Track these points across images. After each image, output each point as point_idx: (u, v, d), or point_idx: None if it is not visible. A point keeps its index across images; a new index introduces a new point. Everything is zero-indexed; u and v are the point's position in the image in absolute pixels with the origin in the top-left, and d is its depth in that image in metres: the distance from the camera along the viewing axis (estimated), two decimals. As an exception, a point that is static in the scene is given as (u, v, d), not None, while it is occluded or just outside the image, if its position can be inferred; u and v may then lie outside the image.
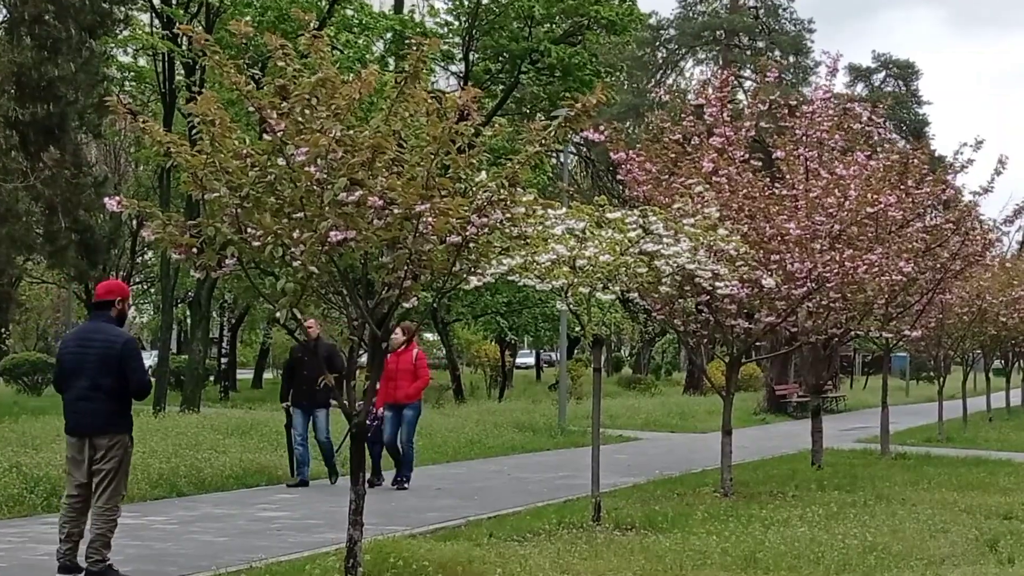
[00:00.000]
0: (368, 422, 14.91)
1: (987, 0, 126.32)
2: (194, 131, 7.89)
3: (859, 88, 53.68)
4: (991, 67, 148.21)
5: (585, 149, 42.76)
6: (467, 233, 7.92)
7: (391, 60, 29.75)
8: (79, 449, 9.13)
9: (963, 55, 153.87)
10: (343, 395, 9.19)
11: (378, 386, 13.99)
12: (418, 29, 29.71)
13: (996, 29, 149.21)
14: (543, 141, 8.22)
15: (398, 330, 14.44)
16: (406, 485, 15.35)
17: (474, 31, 31.83)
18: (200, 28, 8.11)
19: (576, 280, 11.12)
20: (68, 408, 9.26)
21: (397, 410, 15.50)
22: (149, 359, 40.67)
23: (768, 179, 15.73)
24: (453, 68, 34.77)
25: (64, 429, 9.34)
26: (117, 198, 8.04)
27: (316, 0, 28.55)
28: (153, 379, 13.18)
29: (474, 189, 8.03)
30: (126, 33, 28.96)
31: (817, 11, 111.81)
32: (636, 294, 13.29)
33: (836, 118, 16.13)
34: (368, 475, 15.02)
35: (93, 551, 8.90)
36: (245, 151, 7.71)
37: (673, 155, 15.18)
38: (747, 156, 15.40)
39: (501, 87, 32.81)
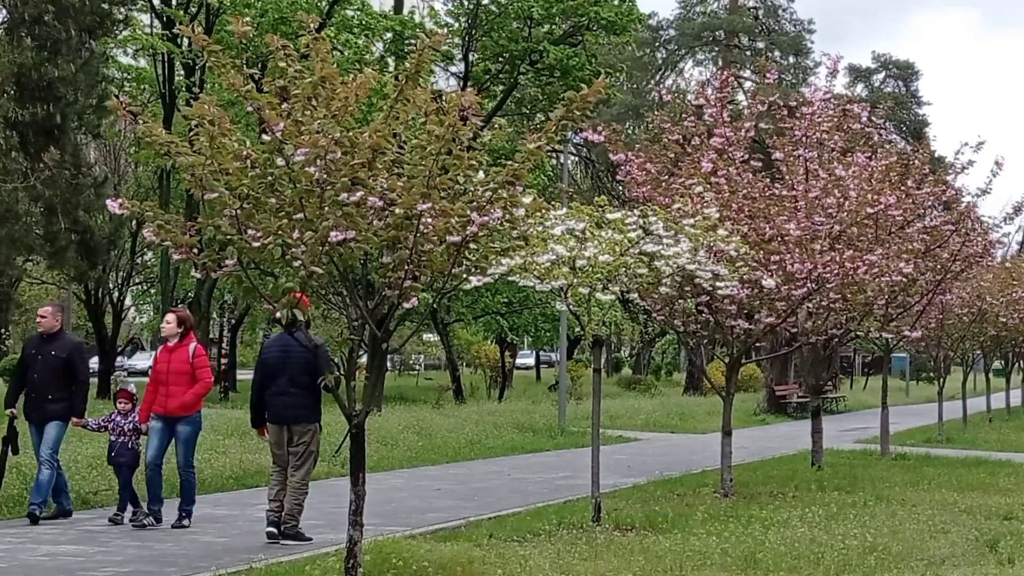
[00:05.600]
0: (114, 438, 11.96)
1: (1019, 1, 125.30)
2: (193, 132, 7.89)
3: (859, 89, 53.59)
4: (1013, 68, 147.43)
5: (585, 150, 42.73)
6: (466, 233, 7.92)
7: (391, 60, 29.75)
8: (279, 435, 10.91)
9: (996, 55, 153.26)
10: (82, 400, 10.28)
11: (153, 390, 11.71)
12: (418, 30, 29.71)
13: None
14: (545, 136, 8.19)
15: (170, 316, 11.94)
16: (185, 522, 11.67)
17: (474, 32, 31.82)
18: (200, 29, 8.09)
19: (576, 280, 11.12)
20: (272, 401, 10.98)
21: (169, 423, 11.67)
22: (147, 359, 40.75)
23: (768, 180, 15.73)
24: (453, 69, 34.77)
25: (267, 418, 11.05)
26: (119, 200, 8.04)
27: (316, 1, 28.58)
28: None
29: (474, 189, 8.02)
30: (126, 34, 28.96)
31: (850, 8, 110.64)
32: (636, 294, 13.29)
33: (836, 119, 16.14)
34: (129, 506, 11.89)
35: (289, 518, 10.74)
36: (245, 152, 7.71)
37: (673, 155, 15.19)
38: (747, 157, 15.41)
39: (501, 88, 32.81)
